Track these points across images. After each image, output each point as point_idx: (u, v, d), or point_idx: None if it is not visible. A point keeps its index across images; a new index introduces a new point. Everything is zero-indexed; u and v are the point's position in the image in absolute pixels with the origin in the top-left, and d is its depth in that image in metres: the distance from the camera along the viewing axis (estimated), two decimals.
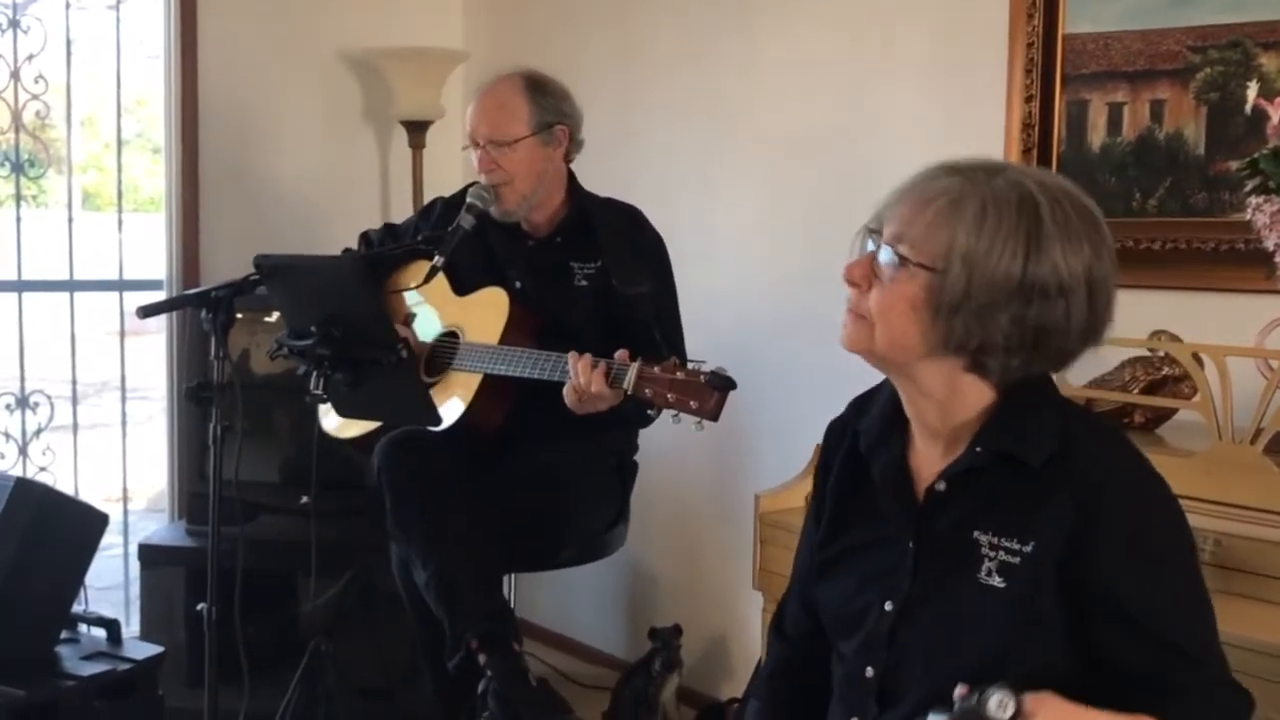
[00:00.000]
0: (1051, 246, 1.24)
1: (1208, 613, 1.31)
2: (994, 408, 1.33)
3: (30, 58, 3.32)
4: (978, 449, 1.32)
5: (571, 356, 2.25)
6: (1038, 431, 1.30)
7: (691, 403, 2.04)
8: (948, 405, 1.34)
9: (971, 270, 1.24)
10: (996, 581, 1.28)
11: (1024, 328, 1.25)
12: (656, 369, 2.10)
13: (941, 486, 1.35)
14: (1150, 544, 1.28)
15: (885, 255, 1.29)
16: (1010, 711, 1.12)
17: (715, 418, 2.04)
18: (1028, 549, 1.27)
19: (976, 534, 1.30)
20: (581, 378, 2.21)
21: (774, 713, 1.57)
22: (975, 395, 1.33)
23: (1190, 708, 1.26)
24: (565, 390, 2.26)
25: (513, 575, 2.84)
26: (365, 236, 2.86)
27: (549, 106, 2.58)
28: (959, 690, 1.15)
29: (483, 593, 2.38)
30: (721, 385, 2.02)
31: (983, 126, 2.63)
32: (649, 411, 2.13)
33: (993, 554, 1.29)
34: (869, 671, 1.39)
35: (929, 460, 1.38)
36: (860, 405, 1.49)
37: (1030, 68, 2.55)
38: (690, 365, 2.08)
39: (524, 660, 2.38)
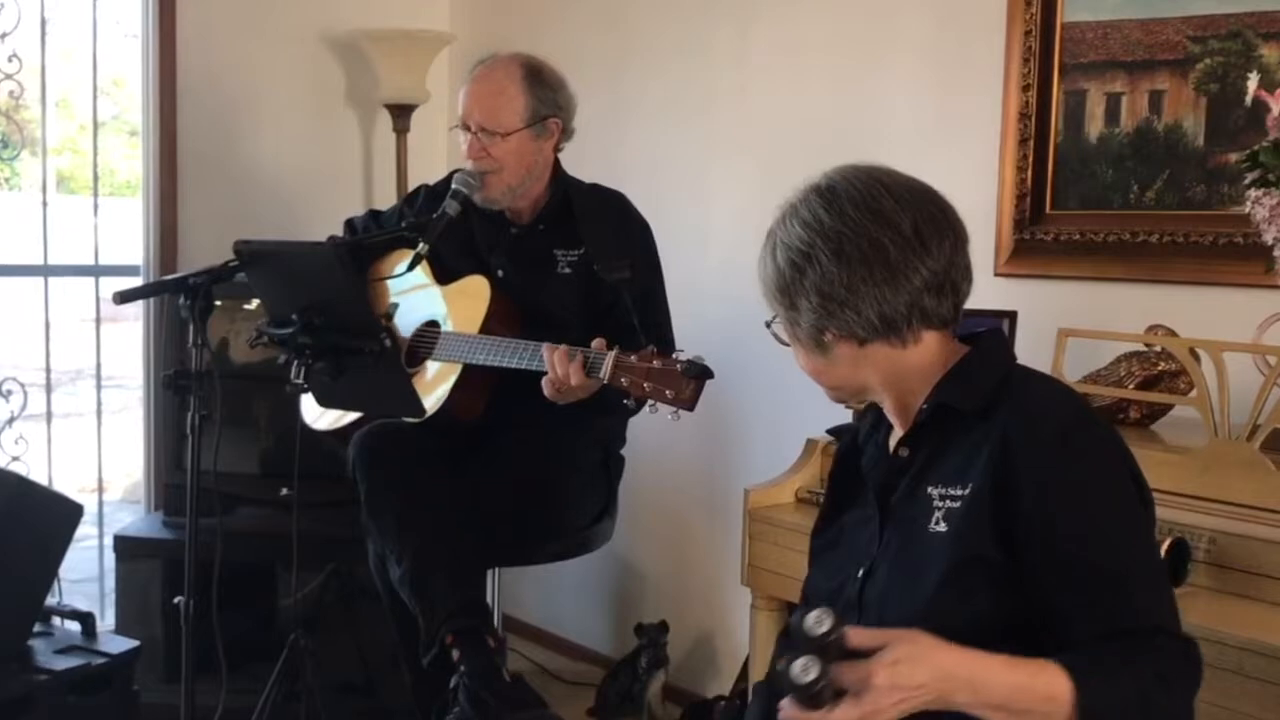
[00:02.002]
0: (775, 235, 1.45)
1: (1145, 554, 1.32)
2: (944, 376, 1.43)
3: (3, 36, 3.30)
4: (924, 407, 1.42)
5: (546, 349, 2.25)
6: (976, 383, 1.40)
7: (668, 391, 2.03)
8: (887, 387, 1.46)
9: (768, 289, 1.46)
10: (942, 528, 1.36)
11: (821, 298, 1.40)
12: (633, 358, 2.09)
13: (904, 452, 1.45)
14: (1074, 475, 1.31)
15: (779, 335, 1.50)
16: (826, 626, 1.17)
17: (691, 407, 2.03)
18: (965, 491, 1.35)
19: (930, 489, 1.39)
20: (558, 369, 2.21)
21: (770, 705, 1.60)
22: (896, 367, 1.43)
23: (1106, 656, 1.25)
24: (544, 382, 2.26)
25: (496, 570, 2.85)
26: (350, 223, 2.86)
27: (545, 99, 2.57)
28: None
29: (458, 588, 2.38)
30: (698, 374, 2.01)
31: (979, 115, 2.64)
32: (625, 401, 2.10)
33: (941, 504, 1.37)
34: None
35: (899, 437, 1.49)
36: (867, 407, 1.60)
37: (1028, 56, 2.55)
38: (672, 355, 2.08)
39: (498, 656, 2.38)
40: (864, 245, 1.37)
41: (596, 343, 2.20)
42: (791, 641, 1.19)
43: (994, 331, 1.49)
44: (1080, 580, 1.28)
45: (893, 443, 1.50)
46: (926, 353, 1.43)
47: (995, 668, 1.22)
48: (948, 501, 1.36)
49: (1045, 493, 1.30)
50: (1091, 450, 1.33)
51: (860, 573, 1.45)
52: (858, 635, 1.21)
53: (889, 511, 1.45)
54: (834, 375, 1.47)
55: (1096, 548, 1.29)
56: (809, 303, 1.40)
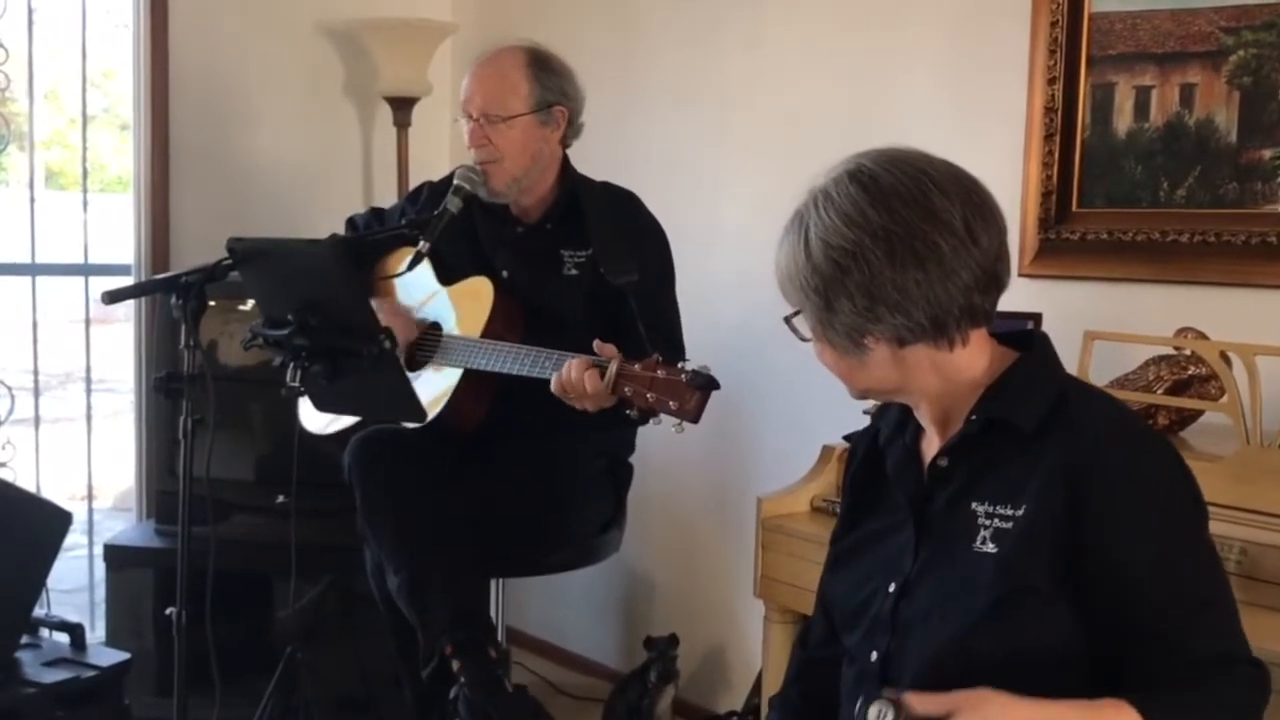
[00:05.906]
0: (807, 224, 1.39)
1: (1216, 581, 1.34)
2: (991, 385, 1.41)
3: None
4: (973, 418, 1.40)
5: (574, 364, 2.21)
6: (1031, 399, 1.39)
7: (671, 403, 2.02)
8: (926, 391, 1.44)
9: (797, 284, 1.41)
10: (990, 548, 1.36)
11: (868, 300, 1.36)
12: (636, 366, 2.08)
13: (944, 462, 1.43)
14: (1146, 504, 1.32)
15: (799, 330, 1.47)
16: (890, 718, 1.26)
17: (696, 419, 2.02)
18: (1019, 513, 1.35)
19: (974, 505, 1.38)
20: (585, 385, 2.17)
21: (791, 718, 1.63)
22: (939, 369, 1.41)
23: (1177, 688, 1.28)
24: (553, 380, 2.25)
25: (500, 580, 2.86)
26: (351, 222, 2.86)
27: (551, 85, 2.58)
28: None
29: (457, 597, 2.39)
30: (703, 385, 2.00)
31: (1002, 109, 2.64)
32: (629, 413, 2.08)
33: (988, 522, 1.37)
34: (873, 656, 1.45)
35: (935, 443, 1.47)
36: (886, 405, 1.59)
37: (1054, 48, 2.56)
38: (678, 363, 2.07)
39: (499, 667, 2.39)
40: (918, 245, 1.34)
41: (600, 345, 2.20)
42: None
43: (1041, 337, 1.47)
44: (1150, 613, 1.30)
45: (925, 447, 1.48)
46: (972, 354, 1.41)
47: (1068, 716, 1.26)
48: (996, 520, 1.36)
49: (1115, 525, 1.31)
50: (1159, 479, 1.35)
51: (892, 588, 1.44)
52: (922, 703, 1.26)
53: (925, 524, 1.43)
54: (866, 377, 1.44)
55: (1165, 580, 1.31)
56: (852, 305, 1.37)
